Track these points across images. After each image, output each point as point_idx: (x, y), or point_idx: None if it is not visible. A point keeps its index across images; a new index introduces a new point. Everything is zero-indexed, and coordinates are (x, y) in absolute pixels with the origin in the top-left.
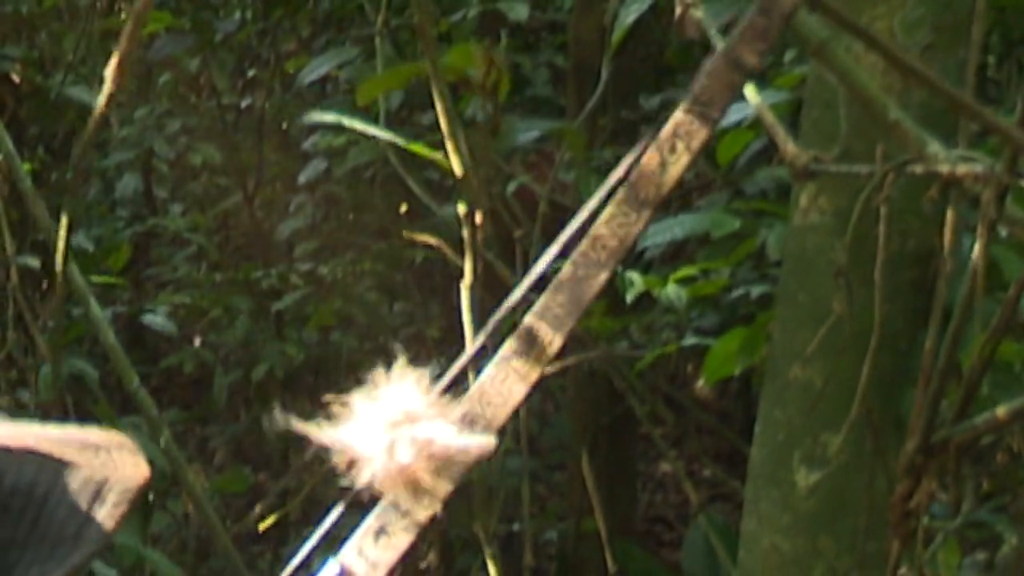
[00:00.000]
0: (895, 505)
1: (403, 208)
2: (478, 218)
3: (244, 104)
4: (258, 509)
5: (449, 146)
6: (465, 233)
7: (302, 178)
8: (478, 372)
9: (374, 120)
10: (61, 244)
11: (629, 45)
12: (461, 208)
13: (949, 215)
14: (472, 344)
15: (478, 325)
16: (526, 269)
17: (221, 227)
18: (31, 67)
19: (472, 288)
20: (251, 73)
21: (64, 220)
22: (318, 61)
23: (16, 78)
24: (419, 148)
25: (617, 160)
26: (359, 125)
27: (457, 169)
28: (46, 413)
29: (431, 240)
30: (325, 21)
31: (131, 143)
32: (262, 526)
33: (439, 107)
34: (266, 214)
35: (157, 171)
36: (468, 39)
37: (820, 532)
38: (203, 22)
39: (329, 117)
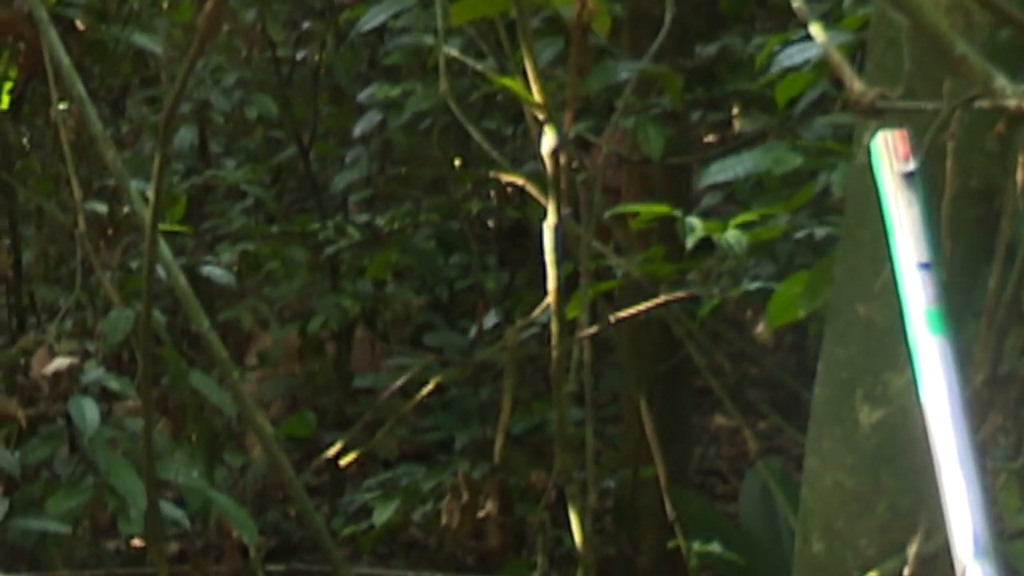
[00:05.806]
0: None
1: (457, 161)
2: (563, 158)
3: (299, 56)
4: (331, 448)
5: (533, 84)
6: (549, 172)
7: (357, 130)
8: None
9: (431, 71)
10: (154, 186)
11: None
12: (545, 148)
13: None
14: (554, 285)
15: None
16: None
17: (276, 180)
18: (93, 16)
19: (556, 229)
20: (306, 25)
21: (158, 162)
22: (375, 10)
23: (81, 26)
24: (511, 83)
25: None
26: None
27: (540, 108)
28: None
29: (519, 180)
30: None
31: (186, 96)
32: (345, 461)
33: (523, 43)
34: (321, 167)
35: (212, 124)
36: None
37: (882, 469)
38: None
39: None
